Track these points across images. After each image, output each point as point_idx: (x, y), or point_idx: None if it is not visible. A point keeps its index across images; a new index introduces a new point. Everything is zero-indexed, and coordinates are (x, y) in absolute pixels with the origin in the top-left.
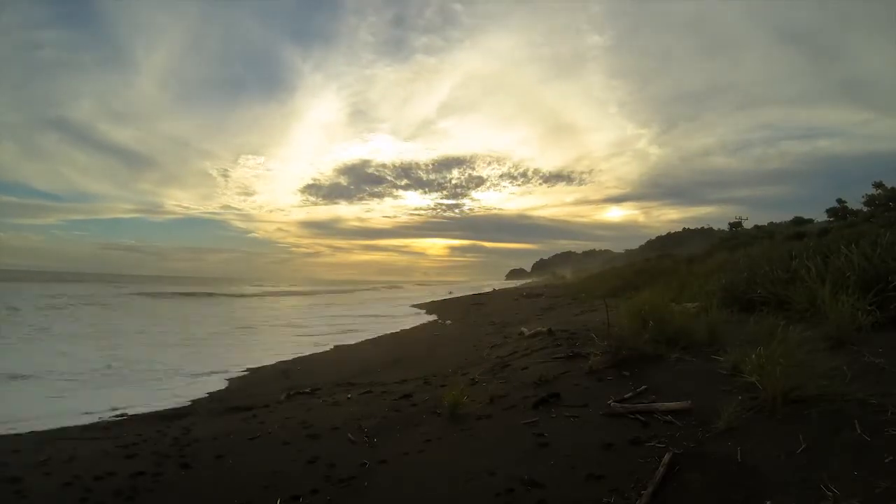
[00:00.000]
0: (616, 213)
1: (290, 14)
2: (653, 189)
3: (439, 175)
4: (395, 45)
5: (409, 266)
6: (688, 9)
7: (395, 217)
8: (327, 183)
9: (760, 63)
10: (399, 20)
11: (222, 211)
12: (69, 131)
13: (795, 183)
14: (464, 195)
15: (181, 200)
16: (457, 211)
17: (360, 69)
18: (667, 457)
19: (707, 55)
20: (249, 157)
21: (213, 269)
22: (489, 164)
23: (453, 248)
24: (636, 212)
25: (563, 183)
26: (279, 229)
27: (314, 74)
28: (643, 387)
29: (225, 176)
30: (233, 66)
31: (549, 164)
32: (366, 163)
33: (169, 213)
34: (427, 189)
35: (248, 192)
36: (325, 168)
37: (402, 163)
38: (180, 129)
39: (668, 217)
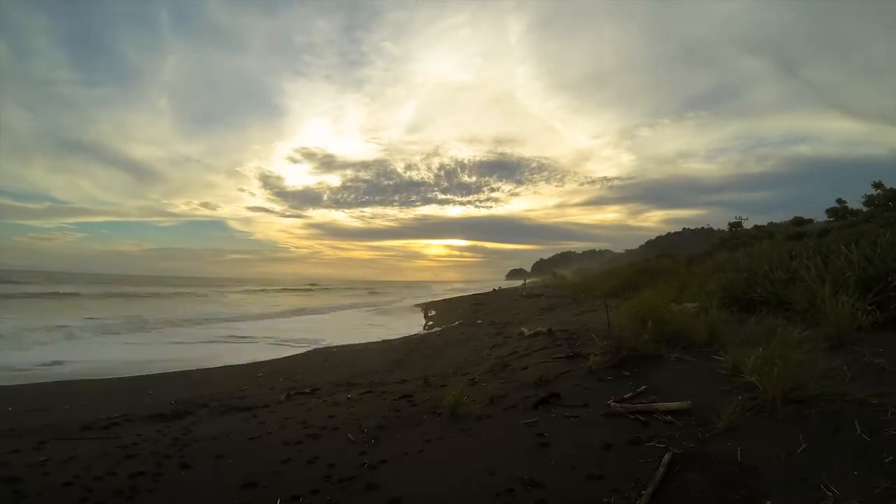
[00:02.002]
0: (608, 215)
1: (260, 52)
2: (639, 193)
3: (435, 181)
4: (351, 74)
5: (412, 266)
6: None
7: (396, 220)
8: (318, 192)
9: (728, 73)
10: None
11: (222, 216)
12: (88, 151)
13: (778, 186)
14: (464, 198)
15: (185, 207)
16: (457, 213)
17: (331, 96)
18: (667, 457)
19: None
20: (244, 171)
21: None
22: (482, 169)
23: (454, 249)
24: (625, 214)
25: (551, 185)
26: (281, 231)
27: (293, 101)
28: (643, 387)
29: (226, 186)
30: (226, 96)
31: (539, 169)
32: (357, 173)
33: (175, 218)
34: (426, 195)
35: (245, 200)
36: (313, 178)
37: (390, 171)
38: (187, 148)
39: (656, 219)
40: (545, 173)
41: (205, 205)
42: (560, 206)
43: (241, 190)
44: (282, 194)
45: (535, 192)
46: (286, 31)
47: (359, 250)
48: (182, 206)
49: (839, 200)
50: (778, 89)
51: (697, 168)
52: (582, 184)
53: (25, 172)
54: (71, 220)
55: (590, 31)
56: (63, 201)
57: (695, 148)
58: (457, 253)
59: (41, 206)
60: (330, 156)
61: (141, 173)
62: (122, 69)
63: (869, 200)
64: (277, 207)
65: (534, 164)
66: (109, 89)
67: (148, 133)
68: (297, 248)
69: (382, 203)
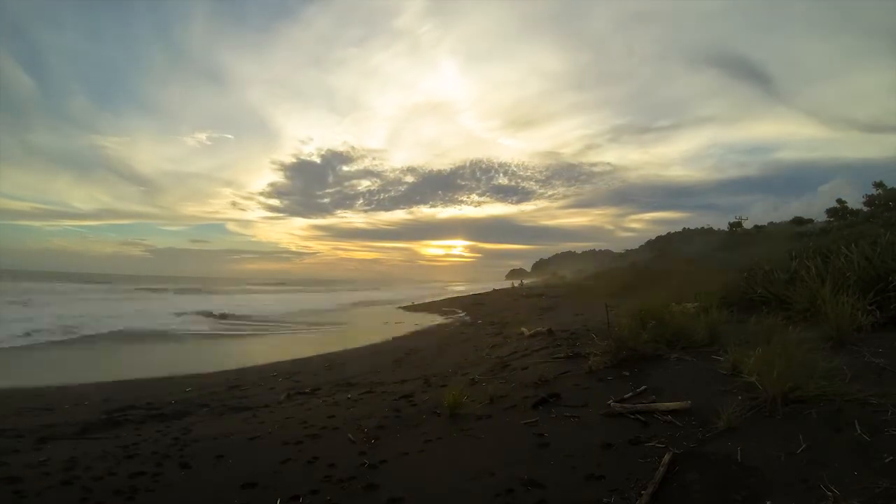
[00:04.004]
0: (602, 217)
1: (249, 83)
2: (629, 196)
3: (431, 184)
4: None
5: (415, 267)
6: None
7: (398, 221)
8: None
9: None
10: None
11: (224, 220)
12: (107, 167)
13: (761, 190)
14: (462, 200)
15: (196, 213)
16: (457, 213)
17: (317, 121)
18: (667, 457)
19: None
20: (241, 182)
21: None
22: (481, 171)
23: (454, 250)
24: (617, 216)
25: (546, 188)
26: (288, 234)
27: (285, 125)
28: (643, 387)
29: (226, 194)
30: (227, 120)
31: (534, 172)
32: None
33: (183, 222)
34: (423, 197)
35: (245, 209)
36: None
37: (385, 175)
38: (200, 164)
39: (647, 220)
40: (541, 177)
41: (210, 212)
42: (555, 207)
43: (246, 198)
44: (279, 198)
45: (531, 195)
46: (270, 64)
47: (361, 251)
48: (192, 210)
49: (839, 200)
50: (753, 98)
51: (683, 174)
52: (574, 186)
53: (51, 185)
54: (86, 223)
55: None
56: (78, 208)
57: (676, 154)
58: (455, 253)
59: (62, 209)
60: (321, 169)
61: (149, 185)
62: (134, 100)
63: (869, 200)
64: (275, 211)
65: (527, 168)
66: (122, 116)
67: (158, 151)
68: (297, 248)
69: (384, 209)
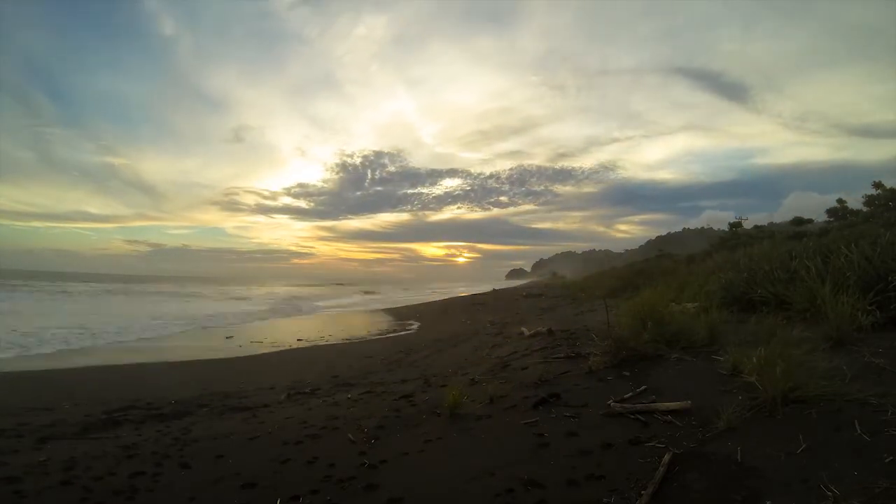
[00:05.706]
0: (598, 218)
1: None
2: (623, 198)
3: (427, 187)
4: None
5: (416, 267)
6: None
7: (402, 223)
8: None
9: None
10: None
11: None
12: (119, 178)
13: (747, 193)
14: (463, 202)
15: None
16: (457, 214)
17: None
18: (667, 457)
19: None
20: (237, 186)
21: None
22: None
23: (455, 250)
24: (610, 218)
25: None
26: (293, 236)
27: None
28: (643, 387)
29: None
30: (227, 133)
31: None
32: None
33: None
34: (417, 201)
35: (242, 211)
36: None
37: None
38: (208, 174)
39: (641, 221)
40: (539, 180)
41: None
42: (555, 208)
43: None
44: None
45: (528, 198)
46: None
47: (362, 252)
48: (195, 214)
49: (839, 200)
50: (733, 109)
51: (670, 177)
52: (573, 187)
53: (68, 195)
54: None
55: None
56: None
57: (669, 159)
58: (455, 253)
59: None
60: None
61: (156, 194)
62: (148, 121)
63: (869, 200)
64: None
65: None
66: (134, 136)
67: (170, 166)
68: (296, 249)
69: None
